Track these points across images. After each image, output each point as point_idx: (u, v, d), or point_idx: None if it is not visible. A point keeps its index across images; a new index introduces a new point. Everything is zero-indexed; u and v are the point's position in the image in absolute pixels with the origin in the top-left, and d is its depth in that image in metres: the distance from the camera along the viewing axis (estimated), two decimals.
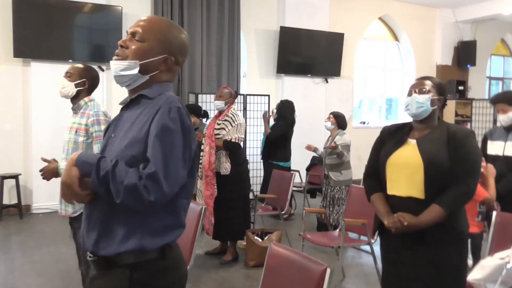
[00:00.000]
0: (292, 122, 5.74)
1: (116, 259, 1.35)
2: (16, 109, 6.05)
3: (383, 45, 9.44)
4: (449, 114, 8.94)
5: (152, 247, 1.35)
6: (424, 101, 2.08)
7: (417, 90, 2.12)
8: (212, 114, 4.61)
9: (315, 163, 6.32)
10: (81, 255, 2.67)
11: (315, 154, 5.63)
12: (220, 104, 4.11)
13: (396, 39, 9.51)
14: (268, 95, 6.67)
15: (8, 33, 5.79)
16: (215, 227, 4.07)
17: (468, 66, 9.71)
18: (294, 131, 5.83)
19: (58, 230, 5.16)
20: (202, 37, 6.94)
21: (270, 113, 6.22)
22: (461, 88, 9.56)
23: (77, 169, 1.32)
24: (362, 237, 3.73)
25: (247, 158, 6.23)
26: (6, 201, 5.89)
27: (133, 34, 1.45)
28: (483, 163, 2.67)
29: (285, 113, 5.70)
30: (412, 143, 2.11)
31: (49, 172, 2.58)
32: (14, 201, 5.90)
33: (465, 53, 9.61)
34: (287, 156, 5.75)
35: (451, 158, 1.99)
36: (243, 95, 6.54)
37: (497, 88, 11.00)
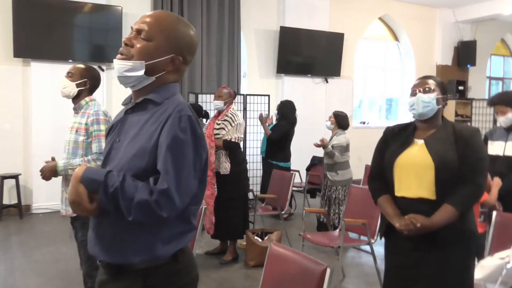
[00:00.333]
0: (293, 122, 5.75)
1: (128, 265, 1.32)
2: (16, 109, 6.05)
3: (383, 45, 9.44)
4: (449, 114, 8.93)
5: (164, 254, 1.32)
6: (430, 100, 2.06)
7: (421, 90, 2.09)
8: (212, 114, 4.62)
9: (315, 163, 6.33)
10: (82, 255, 2.68)
11: (315, 154, 5.65)
12: (219, 104, 4.12)
13: (396, 39, 9.51)
14: (268, 95, 6.67)
15: (8, 33, 5.79)
16: (215, 226, 4.07)
17: (468, 66, 9.71)
18: (294, 131, 5.83)
19: (58, 230, 5.16)
20: (202, 37, 6.94)
21: (268, 115, 6.21)
22: (461, 88, 9.56)
23: (84, 186, 1.26)
24: (362, 237, 3.73)
25: (247, 158, 6.25)
26: (6, 201, 5.89)
27: (138, 31, 1.37)
28: (489, 178, 2.69)
29: (287, 113, 5.69)
30: (419, 143, 2.08)
31: (48, 171, 2.60)
32: (14, 201, 5.90)
33: (465, 53, 9.61)
34: (287, 157, 5.75)
35: (460, 156, 1.97)
36: (243, 95, 6.54)
37: (497, 88, 11.00)
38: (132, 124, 1.38)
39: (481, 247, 3.10)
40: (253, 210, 4.60)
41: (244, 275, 3.91)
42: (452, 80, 9.48)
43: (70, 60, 6.01)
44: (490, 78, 10.87)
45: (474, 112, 8.89)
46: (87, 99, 2.74)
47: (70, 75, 2.73)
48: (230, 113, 4.07)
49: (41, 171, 2.63)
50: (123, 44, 1.38)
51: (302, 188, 6.21)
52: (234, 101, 4.28)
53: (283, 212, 4.70)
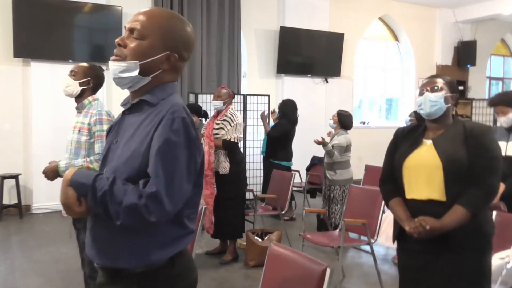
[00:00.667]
0: (294, 121, 5.73)
1: (123, 269, 1.31)
2: (16, 109, 6.05)
3: (383, 45, 9.44)
4: None
5: (160, 258, 1.30)
6: (437, 99, 2.00)
7: (429, 89, 2.03)
8: (211, 114, 4.62)
9: (315, 163, 6.32)
10: (84, 256, 2.67)
11: (315, 154, 5.64)
12: (219, 104, 4.13)
13: (396, 39, 9.51)
14: (268, 95, 6.67)
15: (8, 33, 5.79)
16: (214, 226, 4.08)
17: (468, 66, 9.71)
18: (296, 130, 5.82)
19: (58, 230, 5.17)
20: (202, 37, 6.94)
21: (271, 111, 6.22)
22: (461, 88, 9.56)
23: (73, 189, 1.25)
24: (362, 237, 3.73)
25: (247, 158, 6.25)
26: (6, 201, 5.89)
27: (131, 30, 1.33)
28: None
29: (288, 112, 5.67)
30: (427, 143, 2.02)
31: (50, 171, 2.60)
32: (14, 201, 5.90)
33: (465, 53, 9.61)
34: (288, 156, 5.73)
35: (470, 156, 1.91)
36: (243, 95, 6.53)
37: (497, 88, 11.00)
38: (129, 125, 1.36)
39: None
40: (253, 210, 4.60)
41: (244, 275, 3.91)
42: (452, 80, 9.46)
43: (70, 60, 6.01)
44: (490, 78, 10.87)
45: (474, 112, 8.89)
46: (90, 98, 2.72)
47: (73, 74, 2.70)
48: (229, 113, 4.09)
49: (43, 172, 2.62)
50: (116, 45, 1.35)
51: (302, 188, 6.21)
52: (233, 101, 4.29)
53: (283, 212, 4.69)
